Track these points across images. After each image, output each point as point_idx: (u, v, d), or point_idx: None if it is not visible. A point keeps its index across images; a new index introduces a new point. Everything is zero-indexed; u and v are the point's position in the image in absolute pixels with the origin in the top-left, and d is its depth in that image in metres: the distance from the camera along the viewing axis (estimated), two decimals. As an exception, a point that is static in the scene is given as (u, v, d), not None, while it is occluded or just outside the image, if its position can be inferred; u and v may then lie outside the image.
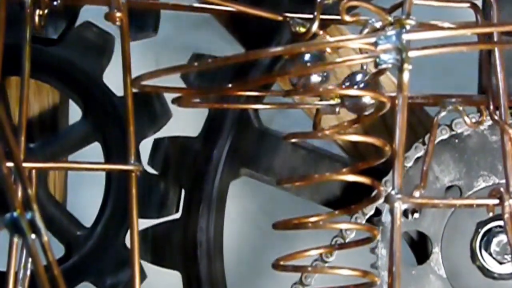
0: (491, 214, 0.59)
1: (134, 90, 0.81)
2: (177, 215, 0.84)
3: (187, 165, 0.82)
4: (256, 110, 0.83)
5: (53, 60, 0.84)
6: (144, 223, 0.82)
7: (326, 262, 0.77)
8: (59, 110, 0.93)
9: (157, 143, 0.84)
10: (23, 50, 0.63)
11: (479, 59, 0.81)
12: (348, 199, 0.79)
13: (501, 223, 0.77)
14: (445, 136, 0.78)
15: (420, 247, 0.80)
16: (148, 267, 0.84)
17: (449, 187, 0.79)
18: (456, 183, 0.78)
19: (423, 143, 0.78)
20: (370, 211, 0.78)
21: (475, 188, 0.78)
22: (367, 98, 0.58)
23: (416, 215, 0.77)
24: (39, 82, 0.88)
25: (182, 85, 0.82)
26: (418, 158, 0.78)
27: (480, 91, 0.81)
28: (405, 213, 0.77)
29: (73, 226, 0.86)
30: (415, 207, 0.77)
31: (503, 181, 0.77)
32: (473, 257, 0.78)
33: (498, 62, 0.62)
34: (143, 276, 0.84)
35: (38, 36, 0.81)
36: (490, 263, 0.77)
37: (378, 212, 0.79)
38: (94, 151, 0.87)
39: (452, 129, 0.78)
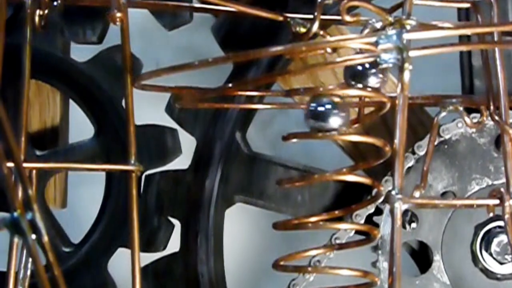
0: (491, 214, 0.59)
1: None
2: (176, 249, 0.84)
3: (181, 198, 0.82)
4: (243, 136, 0.83)
5: (79, 75, 0.84)
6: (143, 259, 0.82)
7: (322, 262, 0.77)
8: (59, 111, 0.93)
9: (148, 179, 0.83)
10: (23, 50, 0.63)
11: (460, 61, 0.81)
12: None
13: (499, 223, 0.77)
14: (410, 163, 0.78)
15: (421, 256, 0.80)
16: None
17: (443, 194, 0.78)
18: (450, 188, 0.78)
19: (413, 153, 0.78)
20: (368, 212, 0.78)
21: (469, 192, 0.78)
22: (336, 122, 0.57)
23: (413, 225, 0.77)
24: (40, 82, 0.88)
25: (182, 84, 0.83)
26: (409, 168, 0.78)
27: (463, 92, 0.81)
28: (402, 224, 0.77)
29: (60, 242, 0.86)
30: (412, 216, 0.77)
31: (496, 182, 0.78)
32: (475, 260, 0.78)
33: (498, 62, 0.62)
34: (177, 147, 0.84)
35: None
36: (492, 264, 0.77)
37: (378, 211, 0.79)
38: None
39: (440, 136, 0.78)
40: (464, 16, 0.79)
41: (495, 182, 0.78)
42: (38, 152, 0.85)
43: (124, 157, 0.82)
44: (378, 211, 0.78)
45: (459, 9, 0.79)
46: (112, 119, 0.84)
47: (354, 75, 0.57)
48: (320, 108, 0.56)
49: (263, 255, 1.13)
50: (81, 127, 0.91)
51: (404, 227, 0.77)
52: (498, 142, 0.78)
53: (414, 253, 0.81)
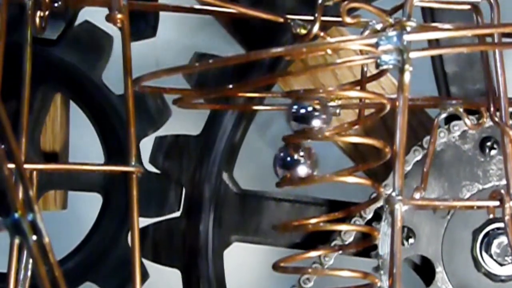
0: (491, 216, 0.59)
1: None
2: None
3: (177, 247, 0.83)
4: (231, 176, 0.83)
5: (52, 61, 0.84)
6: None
7: (324, 264, 0.77)
8: (59, 112, 0.93)
9: (142, 232, 0.83)
10: (24, 51, 0.63)
11: (433, 69, 0.81)
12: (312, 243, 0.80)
13: (497, 225, 0.77)
14: (419, 157, 0.78)
15: (425, 270, 0.80)
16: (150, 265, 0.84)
17: None
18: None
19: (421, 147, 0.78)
20: (369, 214, 0.78)
21: (452, 209, 0.78)
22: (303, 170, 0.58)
23: (411, 240, 0.77)
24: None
25: (182, 86, 0.83)
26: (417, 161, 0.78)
27: (440, 94, 0.81)
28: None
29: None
30: (409, 231, 0.77)
31: (486, 186, 0.78)
32: (477, 265, 0.78)
33: (498, 64, 0.62)
34: (145, 276, 0.84)
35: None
36: (493, 266, 0.77)
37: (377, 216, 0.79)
38: (94, 151, 0.87)
39: (424, 148, 0.78)
40: (429, 16, 0.79)
41: (485, 186, 0.78)
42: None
43: (115, 130, 0.83)
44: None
45: (422, 8, 0.79)
46: (95, 94, 0.83)
47: (297, 119, 0.58)
48: (302, 111, 0.57)
49: (263, 257, 1.13)
50: (82, 130, 0.91)
51: (402, 244, 0.77)
52: (482, 146, 0.78)
53: (417, 267, 0.80)
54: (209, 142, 0.82)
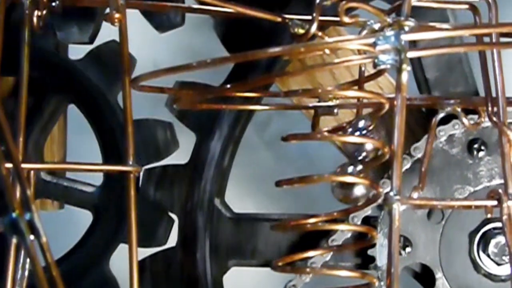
0: (488, 215, 0.59)
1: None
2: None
3: (175, 277, 0.82)
4: (222, 201, 0.83)
5: (73, 75, 0.84)
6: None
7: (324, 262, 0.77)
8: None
9: (141, 265, 0.83)
10: (22, 51, 0.63)
11: (414, 75, 0.81)
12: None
13: (493, 225, 0.77)
14: (408, 166, 0.78)
15: (425, 277, 0.80)
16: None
17: (430, 211, 0.78)
18: None
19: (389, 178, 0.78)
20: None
21: (450, 208, 0.78)
22: (360, 190, 0.58)
23: (408, 249, 0.77)
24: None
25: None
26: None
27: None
28: None
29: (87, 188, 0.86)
30: (405, 241, 0.77)
31: (478, 188, 0.78)
32: (476, 267, 0.78)
33: (496, 64, 0.62)
34: (171, 220, 0.83)
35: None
36: (491, 267, 0.77)
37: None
38: (92, 150, 0.87)
39: (412, 156, 0.78)
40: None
41: (477, 188, 0.78)
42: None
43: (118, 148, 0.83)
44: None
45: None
46: (107, 113, 0.83)
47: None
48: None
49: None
50: (79, 126, 0.91)
51: (400, 253, 0.77)
52: (470, 148, 0.78)
53: (417, 275, 0.80)
54: (198, 170, 0.82)
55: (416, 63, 0.80)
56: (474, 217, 0.78)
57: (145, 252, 0.84)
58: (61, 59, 0.84)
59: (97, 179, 0.86)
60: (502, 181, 0.77)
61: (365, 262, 0.79)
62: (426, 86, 0.81)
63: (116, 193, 0.84)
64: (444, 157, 0.78)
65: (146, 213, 0.83)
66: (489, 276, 0.78)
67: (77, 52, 0.86)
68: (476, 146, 0.78)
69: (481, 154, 0.78)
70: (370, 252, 0.78)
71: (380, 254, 0.76)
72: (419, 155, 0.78)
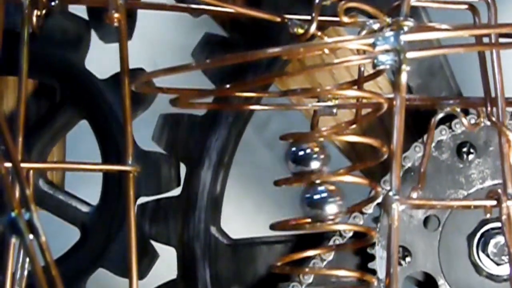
0: (488, 215, 0.59)
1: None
2: None
3: None
4: (219, 228, 0.83)
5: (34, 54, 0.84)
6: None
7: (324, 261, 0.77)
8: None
9: None
10: (21, 51, 0.63)
11: None
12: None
13: (490, 226, 0.77)
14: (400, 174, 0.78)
15: (427, 284, 0.80)
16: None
17: (426, 219, 0.78)
18: (430, 212, 0.78)
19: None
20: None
21: (448, 210, 0.78)
22: (332, 209, 0.58)
23: (407, 259, 0.77)
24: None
25: (180, 86, 0.82)
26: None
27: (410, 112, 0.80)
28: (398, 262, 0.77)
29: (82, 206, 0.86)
30: (404, 250, 0.77)
31: (471, 191, 0.78)
32: (478, 270, 0.78)
33: (496, 64, 0.62)
34: (155, 254, 0.84)
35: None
36: (493, 268, 0.77)
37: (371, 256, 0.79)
38: (92, 147, 0.87)
39: (402, 166, 0.78)
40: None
41: (470, 191, 0.78)
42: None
43: (103, 115, 0.82)
44: (371, 257, 0.78)
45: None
46: (80, 81, 0.83)
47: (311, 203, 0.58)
48: (316, 196, 0.58)
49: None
50: (77, 128, 0.91)
51: (400, 264, 0.77)
52: (459, 153, 0.78)
53: (420, 283, 0.80)
54: (191, 200, 0.82)
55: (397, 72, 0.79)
56: (471, 220, 0.78)
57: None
58: (87, 76, 0.84)
59: (95, 198, 0.86)
60: (494, 182, 0.78)
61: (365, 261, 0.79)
62: (409, 93, 0.81)
63: (109, 215, 0.84)
64: (434, 163, 0.78)
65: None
66: (491, 277, 0.78)
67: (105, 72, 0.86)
68: (465, 149, 0.78)
69: (470, 157, 0.78)
70: (370, 265, 0.77)
71: (380, 267, 0.76)
72: (409, 164, 0.78)
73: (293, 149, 0.58)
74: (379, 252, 0.77)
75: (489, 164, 0.78)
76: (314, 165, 0.58)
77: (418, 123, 0.78)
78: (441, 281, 0.78)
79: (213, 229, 0.82)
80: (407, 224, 0.77)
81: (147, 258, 0.84)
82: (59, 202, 0.86)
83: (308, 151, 0.58)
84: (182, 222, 0.82)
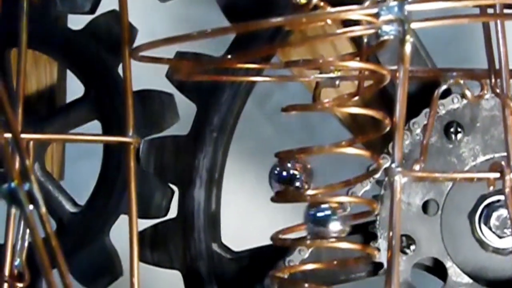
0: (491, 189, 0.59)
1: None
2: None
3: None
4: (220, 244, 0.82)
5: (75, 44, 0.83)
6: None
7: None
8: (56, 83, 0.92)
9: None
10: (20, 21, 0.63)
11: None
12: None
13: (490, 200, 0.77)
14: (407, 141, 0.77)
15: (437, 268, 0.79)
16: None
17: (424, 205, 0.78)
18: (428, 197, 0.77)
19: (388, 153, 0.77)
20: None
21: (445, 190, 0.77)
22: (336, 226, 0.59)
23: (412, 247, 0.77)
24: (37, 53, 0.88)
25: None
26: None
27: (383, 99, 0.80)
28: (402, 251, 0.76)
29: (67, 203, 0.85)
30: (408, 239, 0.77)
31: (465, 169, 0.77)
32: (483, 246, 0.77)
33: (500, 35, 0.61)
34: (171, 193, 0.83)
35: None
36: (499, 242, 0.77)
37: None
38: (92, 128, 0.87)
39: (411, 131, 0.77)
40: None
41: (464, 170, 0.78)
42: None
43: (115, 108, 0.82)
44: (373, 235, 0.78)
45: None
46: (98, 70, 0.83)
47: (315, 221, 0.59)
48: (320, 214, 0.59)
49: (262, 228, 1.12)
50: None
51: (405, 253, 0.77)
52: (447, 134, 0.78)
53: (429, 269, 0.80)
54: (188, 221, 0.81)
55: (373, 60, 0.78)
56: (469, 197, 0.77)
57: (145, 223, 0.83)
58: (60, 29, 0.83)
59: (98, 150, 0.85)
60: (486, 157, 0.78)
61: (376, 268, 0.78)
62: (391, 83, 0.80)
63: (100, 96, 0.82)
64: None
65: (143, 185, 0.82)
66: (498, 251, 0.77)
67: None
68: (452, 130, 0.78)
69: (459, 136, 0.77)
70: (378, 259, 0.77)
71: (385, 259, 0.76)
72: (418, 130, 0.77)
73: (277, 169, 0.60)
74: (383, 244, 0.76)
75: (478, 140, 0.78)
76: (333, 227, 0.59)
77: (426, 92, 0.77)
78: (448, 264, 0.77)
79: (214, 246, 0.82)
80: (406, 212, 0.77)
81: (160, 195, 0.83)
82: (47, 192, 0.85)
83: (291, 172, 0.59)
84: (183, 244, 0.82)
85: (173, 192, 0.83)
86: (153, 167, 0.82)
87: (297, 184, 0.60)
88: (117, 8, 0.68)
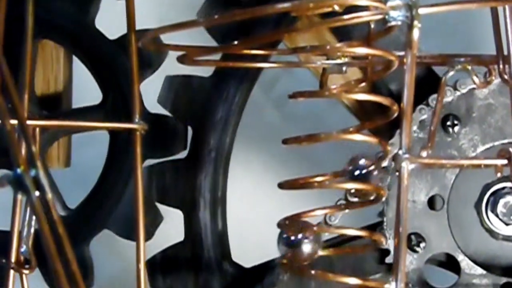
0: (498, 175, 0.58)
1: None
2: None
3: None
4: (230, 261, 0.82)
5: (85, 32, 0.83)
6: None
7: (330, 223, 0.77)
8: (62, 69, 0.92)
9: None
10: (27, 5, 0.63)
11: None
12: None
13: (495, 188, 0.77)
14: (424, 116, 0.77)
15: (450, 262, 0.79)
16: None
17: (430, 201, 0.78)
18: (433, 192, 0.77)
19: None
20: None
21: (449, 186, 0.77)
22: (308, 248, 0.59)
23: (422, 244, 0.77)
24: (43, 40, 0.88)
25: (186, 43, 0.82)
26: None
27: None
28: (412, 249, 0.76)
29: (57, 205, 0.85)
30: (417, 237, 0.77)
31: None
32: (493, 235, 0.77)
33: (509, 20, 0.61)
34: (159, 219, 0.83)
35: None
36: (507, 229, 0.77)
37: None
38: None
39: (430, 106, 0.77)
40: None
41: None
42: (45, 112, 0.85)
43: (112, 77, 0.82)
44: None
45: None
46: (87, 40, 0.82)
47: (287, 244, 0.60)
48: (292, 238, 0.60)
49: (268, 215, 1.12)
50: (85, 86, 0.90)
51: (416, 251, 0.76)
52: (444, 127, 0.77)
53: (441, 264, 0.80)
54: (196, 243, 0.81)
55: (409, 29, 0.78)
56: (474, 188, 0.77)
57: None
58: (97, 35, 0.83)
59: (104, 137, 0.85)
60: (486, 146, 0.77)
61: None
62: (392, 98, 0.80)
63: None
64: (423, 144, 0.77)
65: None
66: (508, 238, 0.77)
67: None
68: (449, 123, 0.77)
69: (456, 128, 0.77)
70: (387, 260, 0.77)
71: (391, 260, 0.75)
72: (424, 116, 0.77)
73: (285, 235, 0.60)
74: (392, 246, 0.76)
75: (476, 130, 0.77)
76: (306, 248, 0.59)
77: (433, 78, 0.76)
78: (460, 257, 0.77)
79: (225, 264, 0.82)
80: (413, 210, 0.77)
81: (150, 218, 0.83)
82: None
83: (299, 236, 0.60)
84: (194, 266, 0.82)
85: (161, 217, 0.83)
86: (155, 192, 0.82)
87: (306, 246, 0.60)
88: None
